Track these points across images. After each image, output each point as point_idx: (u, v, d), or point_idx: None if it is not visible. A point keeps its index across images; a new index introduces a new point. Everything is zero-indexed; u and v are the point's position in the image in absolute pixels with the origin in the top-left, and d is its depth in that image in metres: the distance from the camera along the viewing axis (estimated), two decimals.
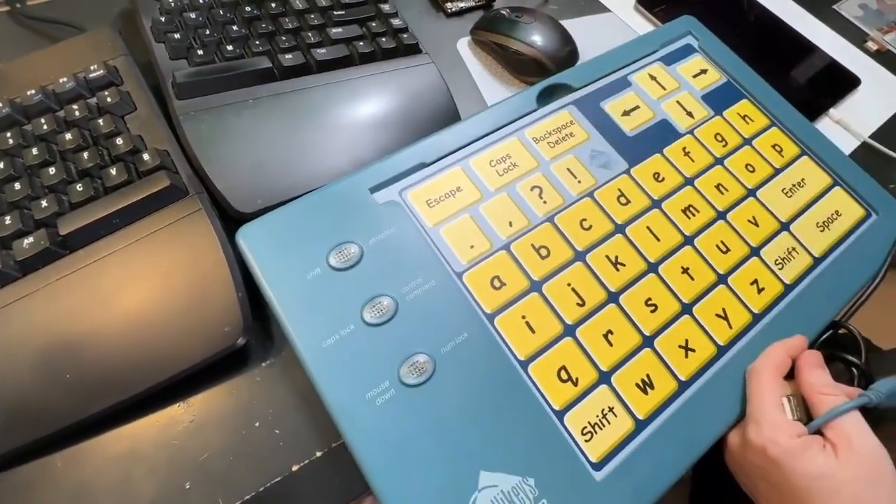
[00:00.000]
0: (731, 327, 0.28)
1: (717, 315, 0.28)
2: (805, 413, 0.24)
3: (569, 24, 0.42)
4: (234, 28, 0.31)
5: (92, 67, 0.28)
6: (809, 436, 0.23)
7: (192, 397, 0.24)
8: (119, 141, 0.25)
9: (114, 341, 0.23)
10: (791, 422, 0.23)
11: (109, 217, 0.24)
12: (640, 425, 0.24)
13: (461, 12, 0.41)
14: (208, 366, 0.24)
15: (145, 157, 0.25)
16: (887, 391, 0.24)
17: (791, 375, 0.26)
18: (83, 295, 0.23)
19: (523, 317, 0.26)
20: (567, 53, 0.37)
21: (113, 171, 0.25)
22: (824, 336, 0.29)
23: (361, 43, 0.33)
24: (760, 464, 0.23)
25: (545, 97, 0.33)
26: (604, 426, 0.24)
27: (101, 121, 0.26)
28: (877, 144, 0.40)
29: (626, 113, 0.34)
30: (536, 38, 0.37)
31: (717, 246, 0.30)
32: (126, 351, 0.23)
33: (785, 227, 0.32)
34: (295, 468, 0.24)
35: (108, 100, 0.27)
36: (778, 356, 0.26)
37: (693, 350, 0.27)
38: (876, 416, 0.25)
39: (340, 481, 0.24)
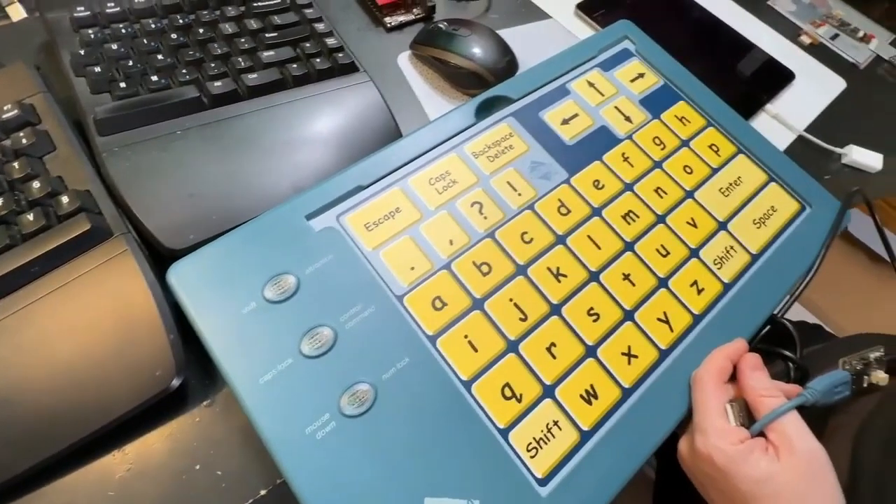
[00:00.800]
0: (672, 330, 0.28)
1: (659, 319, 0.28)
2: (748, 417, 0.25)
3: (510, 33, 0.42)
4: (160, 57, 0.30)
5: (6, 107, 0.27)
6: (752, 440, 0.24)
7: (127, 445, 0.23)
8: (35, 184, 0.24)
9: (38, 395, 0.22)
10: (735, 428, 0.24)
11: (27, 266, 0.23)
12: (584, 436, 0.25)
13: (401, 26, 0.41)
14: (144, 411, 0.23)
15: (64, 199, 0.24)
16: (822, 388, 0.25)
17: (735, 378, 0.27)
18: (2, 349, 0.22)
19: (466, 336, 0.26)
20: (506, 64, 0.37)
21: (29, 217, 0.24)
22: (763, 331, 0.30)
23: (295, 65, 0.33)
24: (709, 471, 0.24)
25: (484, 110, 0.33)
26: (549, 441, 0.24)
27: (15, 164, 0.25)
28: (812, 137, 0.41)
29: (565, 121, 0.34)
30: (474, 51, 0.37)
31: (658, 250, 0.31)
32: (52, 404, 0.22)
33: (723, 226, 0.32)
34: None
35: (24, 141, 0.26)
36: (718, 362, 0.26)
37: (636, 356, 0.27)
38: (816, 413, 0.26)
39: None
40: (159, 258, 0.26)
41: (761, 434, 0.24)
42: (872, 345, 0.28)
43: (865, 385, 0.26)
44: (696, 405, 0.25)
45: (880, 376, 0.26)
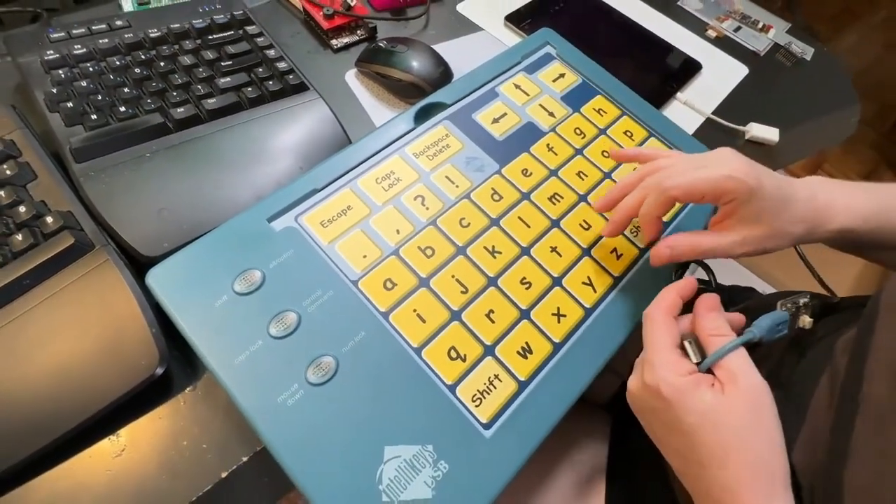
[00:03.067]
0: (595, 291, 0.33)
1: (584, 283, 0.33)
2: (704, 355, 0.25)
3: (446, 46, 0.47)
4: (126, 90, 0.34)
5: None
6: (699, 374, 0.24)
7: (121, 430, 0.27)
8: (21, 209, 0.28)
9: (38, 390, 0.25)
10: (681, 361, 0.24)
11: (19, 280, 0.26)
12: (522, 385, 0.29)
13: (347, 47, 0.45)
14: (133, 399, 0.26)
15: (48, 220, 0.27)
16: (766, 326, 0.26)
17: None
18: (2, 353, 0.25)
19: (414, 310, 0.30)
20: (440, 74, 0.42)
21: (18, 238, 0.27)
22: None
23: (249, 88, 0.36)
24: (654, 404, 0.24)
25: (422, 116, 0.38)
26: (491, 391, 0.28)
27: (2, 192, 0.28)
28: (719, 119, 0.47)
29: (495, 120, 0.39)
30: (412, 65, 0.41)
31: (581, 224, 0.35)
32: (50, 397, 0.25)
33: None
34: (224, 475, 0.26)
35: (8, 172, 0.29)
36: (669, 298, 0.27)
37: (564, 315, 0.31)
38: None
39: (270, 480, 0.27)
40: (138, 265, 0.29)
41: (710, 372, 0.24)
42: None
43: (797, 326, 0.28)
44: (645, 340, 0.26)
45: (806, 320, 0.28)
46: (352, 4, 0.45)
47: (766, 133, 0.46)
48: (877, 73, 1.25)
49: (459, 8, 0.51)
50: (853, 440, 0.22)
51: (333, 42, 0.45)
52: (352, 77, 0.44)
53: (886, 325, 0.24)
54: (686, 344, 0.25)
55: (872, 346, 0.23)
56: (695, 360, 0.25)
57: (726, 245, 0.28)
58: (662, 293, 0.27)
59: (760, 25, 0.56)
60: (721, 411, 0.23)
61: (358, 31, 0.46)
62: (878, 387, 0.22)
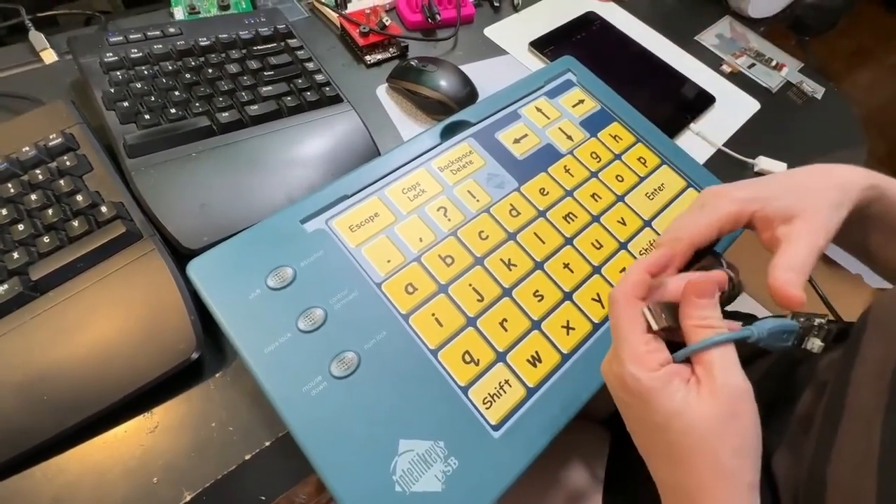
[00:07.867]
0: (603, 307, 0.34)
1: (593, 299, 0.35)
2: (674, 319, 0.23)
3: (473, 67, 0.50)
4: (176, 93, 0.37)
5: (51, 136, 0.32)
6: (673, 367, 0.22)
7: (155, 408, 0.29)
8: (79, 197, 0.30)
9: (84, 365, 0.27)
10: (651, 353, 0.22)
11: (74, 262, 0.28)
12: (530, 392, 0.30)
13: (379, 63, 0.48)
14: (168, 380, 0.28)
15: (103, 209, 0.30)
16: (770, 328, 0.23)
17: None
18: (55, 329, 0.27)
19: (433, 314, 0.32)
20: (467, 94, 0.44)
21: (75, 224, 0.29)
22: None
23: (289, 98, 0.39)
24: (624, 398, 0.23)
25: (448, 132, 0.40)
26: (501, 395, 0.30)
27: (61, 181, 0.31)
28: (729, 151, 0.49)
29: (516, 141, 0.41)
30: (440, 84, 0.44)
31: (593, 244, 0.37)
32: (95, 372, 0.27)
33: (647, 223, 0.39)
34: (247, 457, 0.28)
35: (67, 163, 0.31)
36: (634, 277, 0.23)
37: (573, 328, 0.33)
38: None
39: (290, 465, 0.29)
40: (179, 256, 0.31)
41: (689, 362, 0.22)
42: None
43: (804, 347, 0.25)
44: (612, 328, 0.23)
45: (817, 343, 0.24)
46: (386, 24, 0.48)
47: (774, 167, 0.48)
48: (889, 112, 1.28)
49: (487, 32, 0.54)
50: (838, 443, 0.23)
51: (367, 58, 0.48)
52: (382, 92, 0.46)
53: (874, 338, 0.25)
54: (645, 311, 0.22)
55: (859, 358, 0.24)
56: (655, 328, 0.22)
57: (804, 247, 0.24)
58: (629, 270, 0.24)
59: (774, 63, 0.58)
60: (689, 412, 0.21)
61: (390, 49, 0.49)
62: (864, 394, 0.23)
